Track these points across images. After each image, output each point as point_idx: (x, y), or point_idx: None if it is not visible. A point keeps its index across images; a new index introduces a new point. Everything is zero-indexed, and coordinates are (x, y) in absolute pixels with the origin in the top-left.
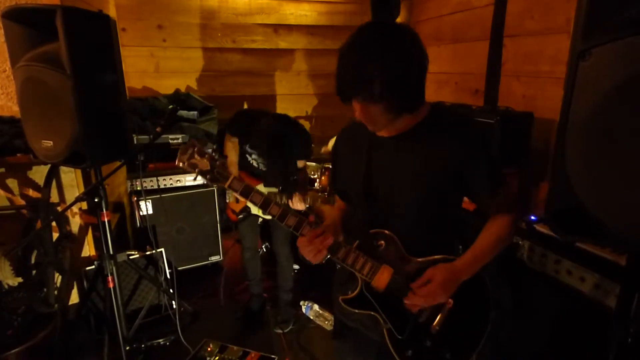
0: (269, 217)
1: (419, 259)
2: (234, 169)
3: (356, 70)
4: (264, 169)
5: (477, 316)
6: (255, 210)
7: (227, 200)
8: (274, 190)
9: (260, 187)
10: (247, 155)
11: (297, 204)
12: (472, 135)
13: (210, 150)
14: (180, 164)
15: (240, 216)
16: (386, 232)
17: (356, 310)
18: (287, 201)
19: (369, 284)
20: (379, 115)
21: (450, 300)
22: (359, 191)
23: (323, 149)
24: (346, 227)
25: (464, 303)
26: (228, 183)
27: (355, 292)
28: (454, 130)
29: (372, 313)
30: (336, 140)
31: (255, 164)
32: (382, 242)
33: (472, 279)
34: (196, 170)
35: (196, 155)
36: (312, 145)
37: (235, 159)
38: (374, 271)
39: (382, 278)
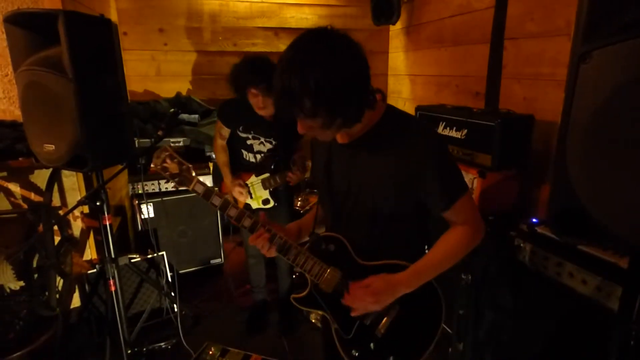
0: (269, 205)
1: (368, 263)
2: (222, 155)
3: (285, 89)
4: (259, 156)
5: (425, 327)
6: (255, 205)
7: None
8: (266, 175)
9: (253, 179)
10: (243, 150)
11: (292, 178)
12: (423, 147)
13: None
14: (153, 167)
15: None
16: (337, 235)
17: (306, 309)
18: (282, 180)
19: (317, 285)
20: (318, 129)
21: (396, 307)
22: (322, 193)
23: None
24: (322, 222)
25: (413, 312)
26: (192, 185)
27: (305, 292)
28: (405, 141)
29: (321, 312)
30: (311, 142)
31: (250, 156)
32: (332, 245)
33: (426, 290)
34: (167, 173)
35: (167, 160)
36: None
37: (223, 143)
38: (321, 273)
39: (329, 280)
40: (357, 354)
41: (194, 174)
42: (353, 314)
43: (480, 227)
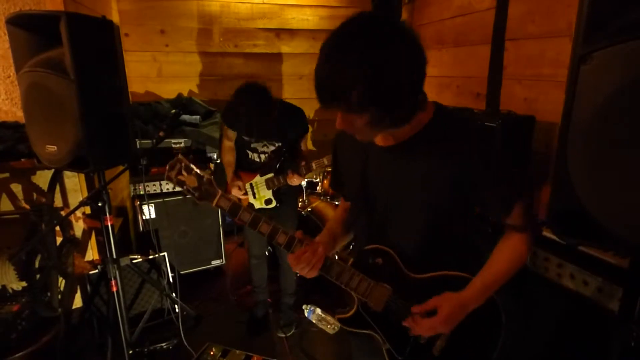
0: (272, 205)
1: (421, 276)
2: (228, 156)
3: (333, 77)
4: (264, 156)
5: (484, 340)
6: (258, 204)
7: None
8: (270, 175)
9: (257, 179)
10: (248, 150)
11: (293, 180)
12: (484, 149)
13: (196, 169)
14: (168, 180)
15: None
16: (384, 248)
17: (353, 330)
18: (284, 181)
19: (365, 304)
20: (360, 127)
21: None
22: (356, 200)
23: (326, 159)
24: (350, 228)
25: (470, 324)
26: (215, 201)
27: (352, 311)
28: (462, 143)
29: (370, 332)
30: (335, 138)
31: (255, 156)
32: (380, 259)
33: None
34: (184, 187)
35: (183, 172)
36: (306, 118)
37: (230, 144)
38: (370, 290)
39: (379, 298)
40: None
41: (217, 188)
42: (414, 333)
43: (535, 231)
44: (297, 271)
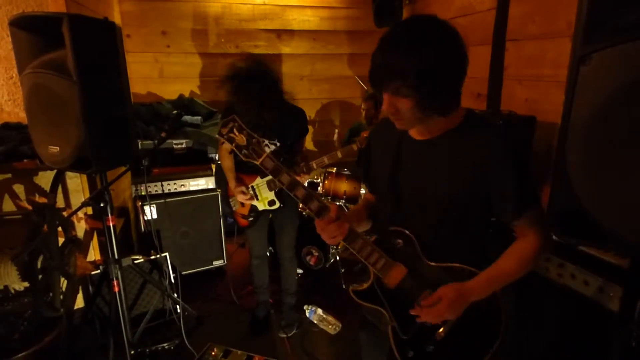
0: (275, 207)
1: (436, 264)
2: (227, 160)
3: (389, 61)
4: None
5: (485, 331)
6: (262, 206)
7: (234, 208)
8: (270, 177)
9: (258, 180)
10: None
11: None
12: (503, 149)
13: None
14: (219, 136)
15: (251, 218)
16: (405, 231)
17: (364, 303)
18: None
19: (380, 279)
20: (406, 111)
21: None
22: (384, 189)
23: (327, 159)
24: (372, 217)
25: (474, 317)
26: (260, 160)
27: (366, 285)
28: (484, 142)
29: (379, 308)
30: (370, 133)
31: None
32: (400, 240)
33: (487, 296)
34: (233, 143)
35: (235, 130)
36: (307, 119)
37: (228, 147)
38: (387, 267)
39: (394, 276)
40: (412, 354)
41: (265, 149)
42: (420, 320)
43: (548, 243)
44: (322, 236)
